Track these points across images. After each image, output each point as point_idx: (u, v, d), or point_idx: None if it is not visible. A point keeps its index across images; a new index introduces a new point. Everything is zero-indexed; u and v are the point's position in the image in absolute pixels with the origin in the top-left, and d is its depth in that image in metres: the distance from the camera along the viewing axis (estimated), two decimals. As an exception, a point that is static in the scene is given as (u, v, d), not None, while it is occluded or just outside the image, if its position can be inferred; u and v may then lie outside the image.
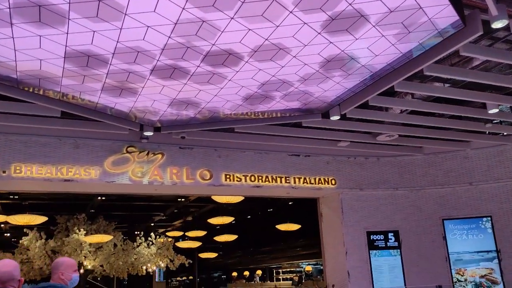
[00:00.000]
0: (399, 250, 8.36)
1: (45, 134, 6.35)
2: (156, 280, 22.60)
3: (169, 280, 28.38)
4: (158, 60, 4.31)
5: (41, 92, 5.10)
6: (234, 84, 5.03)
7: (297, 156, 8.27)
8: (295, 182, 8.09)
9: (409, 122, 7.04)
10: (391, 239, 8.39)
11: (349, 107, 6.00)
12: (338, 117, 6.27)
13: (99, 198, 10.60)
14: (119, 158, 6.81)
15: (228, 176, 7.57)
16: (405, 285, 8.15)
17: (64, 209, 12.76)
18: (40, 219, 9.15)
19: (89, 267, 12.82)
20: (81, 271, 13.11)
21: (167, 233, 16.62)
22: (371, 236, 8.35)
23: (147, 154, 7.01)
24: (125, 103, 5.46)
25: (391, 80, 5.16)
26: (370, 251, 8.27)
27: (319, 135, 7.46)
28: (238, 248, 21.85)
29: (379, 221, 8.48)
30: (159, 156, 7.09)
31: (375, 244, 8.32)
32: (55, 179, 6.27)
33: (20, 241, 12.36)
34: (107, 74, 4.58)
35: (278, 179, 7.96)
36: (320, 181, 8.31)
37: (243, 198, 9.58)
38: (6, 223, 12.67)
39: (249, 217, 15.64)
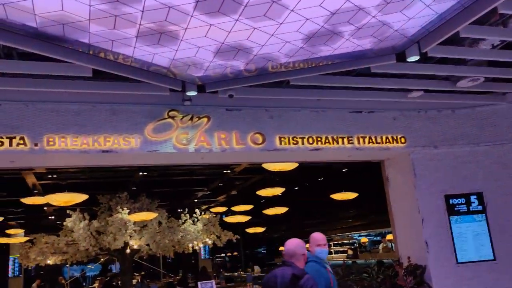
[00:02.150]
0: (484, 214, 7.33)
1: (77, 101, 5.72)
2: (202, 257, 22.55)
3: (213, 257, 28.37)
4: (204, -14, 3.46)
5: (69, 46, 4.40)
6: (297, 17, 4.12)
7: (359, 113, 7.31)
8: (359, 143, 7.16)
9: (501, 60, 5.92)
10: (474, 202, 7.37)
11: (432, 42, 4.96)
12: (417, 57, 5.25)
13: (140, 173, 10.11)
14: (161, 124, 6.11)
15: (282, 139, 6.74)
16: (493, 253, 7.17)
17: (104, 188, 12.46)
18: (80, 197, 8.77)
19: (135, 246, 12.56)
20: (127, 251, 12.90)
21: (211, 209, 16.17)
22: (450, 200, 7.35)
23: (191, 118, 6.27)
24: (165, 54, 4.68)
25: (497, -3, 4.09)
26: (450, 217, 7.30)
27: (388, 84, 6.47)
28: (284, 221, 21.28)
29: (458, 182, 7.45)
30: (205, 119, 6.34)
31: (455, 209, 7.33)
32: (92, 151, 5.67)
33: (64, 223, 12.20)
34: (142, 12, 3.78)
35: (340, 140, 7.06)
36: (387, 140, 7.34)
37: (297, 165, 8.77)
38: (48, 205, 12.55)
39: (296, 188, 14.89)
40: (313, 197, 15.53)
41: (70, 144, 5.55)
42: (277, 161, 7.98)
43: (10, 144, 5.23)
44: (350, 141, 7.13)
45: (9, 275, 18.69)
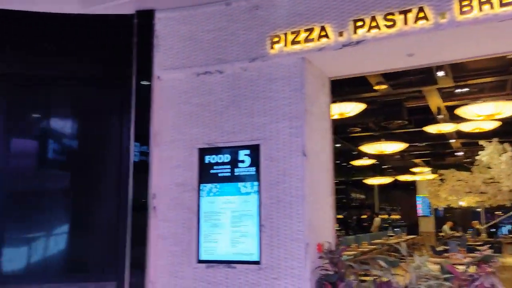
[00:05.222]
0: None
1: None
2: None
3: None
4: None
5: None
6: None
7: None
8: None
9: None
10: None
11: None
12: None
13: None
14: None
15: None
16: None
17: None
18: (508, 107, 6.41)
19: None
20: None
21: None
22: None
23: None
24: None
25: None
26: None
27: None
28: None
29: None
30: None
31: None
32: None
33: (477, 157, 10.23)
34: None
35: None
36: None
37: None
38: (456, 137, 11.00)
39: None
40: None
41: (497, 5, 3.39)
42: None
43: (405, 22, 3.65)
44: None
45: (419, 214, 18.77)
